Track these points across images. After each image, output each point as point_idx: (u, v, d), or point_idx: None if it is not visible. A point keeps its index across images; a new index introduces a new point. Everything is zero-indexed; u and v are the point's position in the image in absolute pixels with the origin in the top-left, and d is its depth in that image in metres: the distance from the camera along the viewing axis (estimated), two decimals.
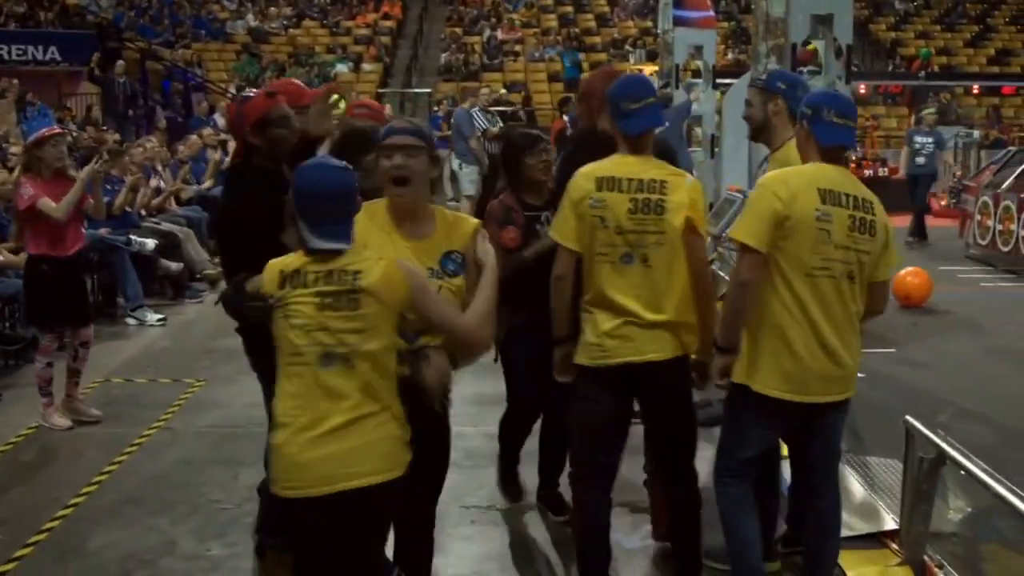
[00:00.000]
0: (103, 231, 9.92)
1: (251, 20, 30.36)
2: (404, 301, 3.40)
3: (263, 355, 3.93)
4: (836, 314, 4.05)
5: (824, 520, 4.38)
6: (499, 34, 30.48)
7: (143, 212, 11.56)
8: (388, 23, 31.22)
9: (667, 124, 13.57)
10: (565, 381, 4.42)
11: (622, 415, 4.41)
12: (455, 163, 15.06)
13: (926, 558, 4.84)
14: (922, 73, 28.94)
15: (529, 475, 5.60)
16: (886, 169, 20.46)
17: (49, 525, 5.55)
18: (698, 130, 14.40)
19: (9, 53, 20.84)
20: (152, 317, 10.03)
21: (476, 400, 6.59)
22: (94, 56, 20.74)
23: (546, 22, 32.04)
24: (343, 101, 5.53)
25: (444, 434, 3.98)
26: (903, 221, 14.81)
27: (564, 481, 5.26)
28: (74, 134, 13.61)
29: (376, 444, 3.37)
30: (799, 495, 4.77)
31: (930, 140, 16.03)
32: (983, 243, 14.48)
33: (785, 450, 4.69)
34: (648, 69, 22.74)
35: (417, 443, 3.53)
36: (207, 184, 13.50)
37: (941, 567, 4.80)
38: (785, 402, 4.08)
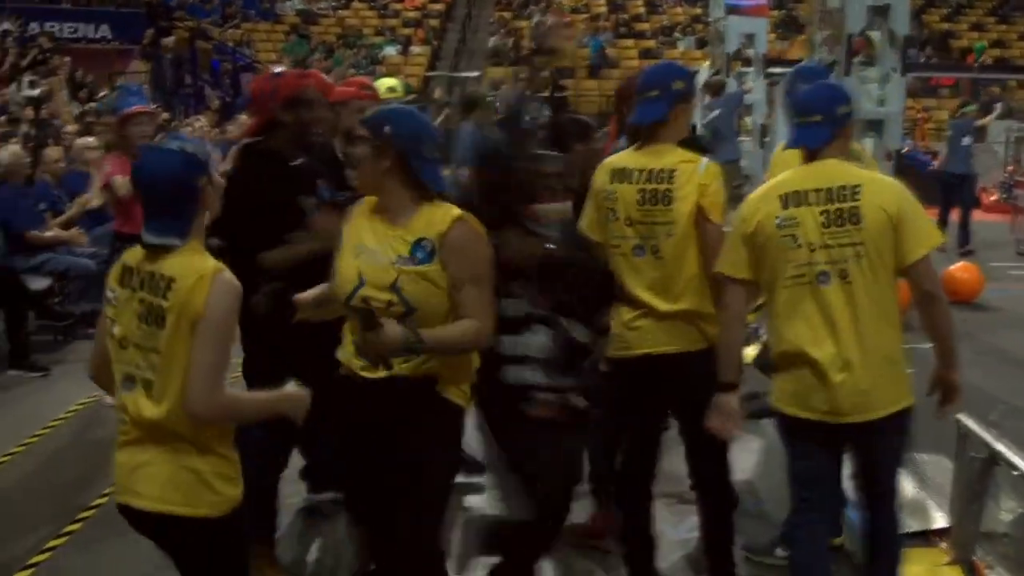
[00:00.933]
0: None
1: (300, 1, 30.45)
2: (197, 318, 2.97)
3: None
4: (837, 321, 3.70)
5: (879, 540, 4.04)
6: (548, 19, 30.29)
7: None
8: (437, 6, 31.21)
9: (718, 112, 13.59)
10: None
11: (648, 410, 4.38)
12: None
13: (975, 559, 4.79)
14: (976, 65, 28.54)
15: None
16: (936, 162, 20.16)
17: (97, 501, 5.60)
18: (748, 119, 14.28)
19: (61, 31, 21.04)
20: None
21: None
22: (146, 34, 20.88)
23: (595, 7, 31.90)
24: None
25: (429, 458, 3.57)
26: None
27: None
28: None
29: (163, 471, 3.06)
30: None
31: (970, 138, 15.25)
32: None
33: None
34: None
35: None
36: None
37: (991, 568, 4.75)
38: (802, 420, 3.83)
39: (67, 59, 17.36)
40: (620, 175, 4.19)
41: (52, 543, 5.17)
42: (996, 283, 11.44)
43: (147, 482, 3.07)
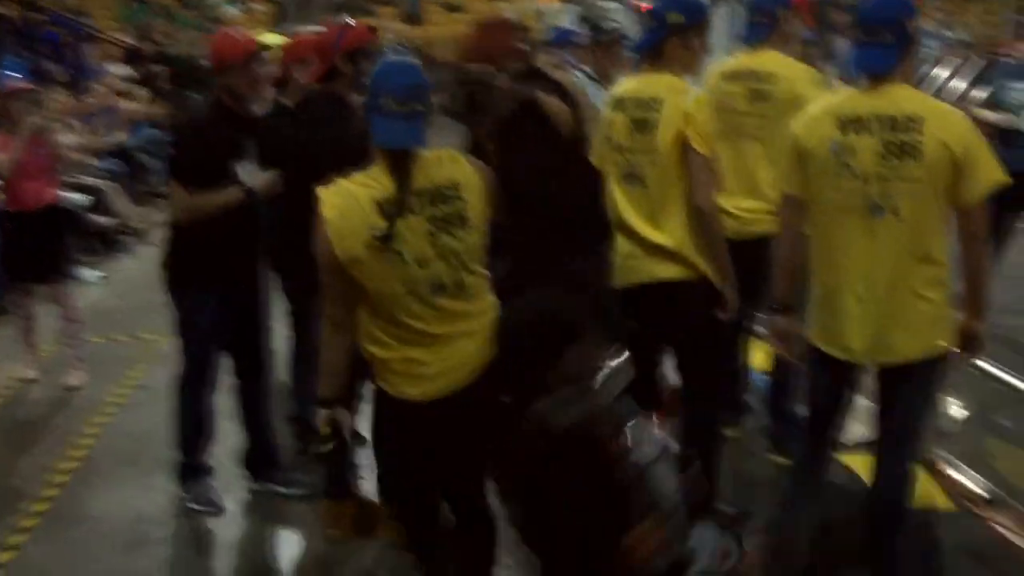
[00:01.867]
0: None
1: None
2: None
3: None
4: (882, 258, 3.57)
5: (879, 508, 3.87)
6: None
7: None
8: None
9: None
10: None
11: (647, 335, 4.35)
12: None
13: (932, 457, 4.99)
14: None
15: None
16: None
17: (48, 493, 5.43)
18: None
19: None
20: (92, 275, 9.73)
21: None
22: None
23: None
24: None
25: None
26: None
27: None
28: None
29: None
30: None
31: None
32: None
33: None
34: None
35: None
36: (121, 137, 13.12)
37: (948, 463, 4.99)
38: (827, 355, 3.78)
39: None
40: (618, 104, 4.27)
41: (13, 540, 4.98)
42: None
43: None
